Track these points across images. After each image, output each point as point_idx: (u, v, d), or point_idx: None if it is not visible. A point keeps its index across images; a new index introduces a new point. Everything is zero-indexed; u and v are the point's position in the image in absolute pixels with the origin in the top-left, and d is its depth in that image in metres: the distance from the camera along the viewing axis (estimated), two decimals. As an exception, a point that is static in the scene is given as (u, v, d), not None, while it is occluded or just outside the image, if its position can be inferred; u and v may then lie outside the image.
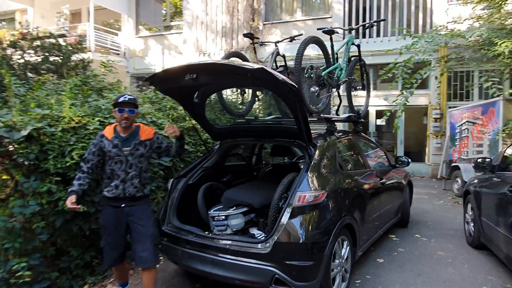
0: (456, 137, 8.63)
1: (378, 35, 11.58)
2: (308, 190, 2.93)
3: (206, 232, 3.21)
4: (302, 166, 3.25)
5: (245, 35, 4.44)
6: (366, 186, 3.83)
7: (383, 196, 4.29)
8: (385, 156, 5.04)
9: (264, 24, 12.85)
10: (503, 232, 3.46)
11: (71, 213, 3.42)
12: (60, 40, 6.66)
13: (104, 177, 2.96)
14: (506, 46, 6.22)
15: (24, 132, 3.17)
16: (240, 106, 4.95)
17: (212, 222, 3.27)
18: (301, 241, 2.76)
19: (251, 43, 4.55)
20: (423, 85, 10.83)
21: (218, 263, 2.89)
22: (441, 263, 4.09)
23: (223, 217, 3.19)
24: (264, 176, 4.54)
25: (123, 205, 2.88)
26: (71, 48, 6.41)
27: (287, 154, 4.82)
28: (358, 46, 4.49)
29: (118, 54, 14.66)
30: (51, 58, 6.43)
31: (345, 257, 3.23)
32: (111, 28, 15.95)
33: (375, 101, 11.75)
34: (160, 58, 14.47)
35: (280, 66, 4.68)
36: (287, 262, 2.72)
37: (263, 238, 3.12)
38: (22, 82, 4.21)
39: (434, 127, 10.64)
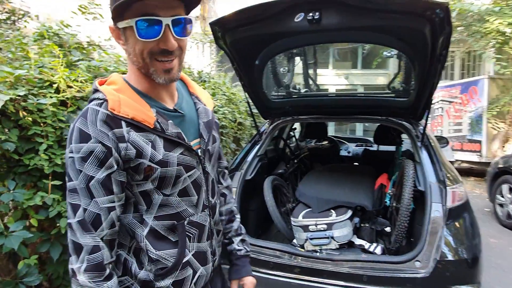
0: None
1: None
2: (452, 185, 2.16)
3: (310, 249, 2.24)
4: (417, 150, 2.46)
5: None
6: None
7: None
8: None
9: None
10: None
11: (74, 236, 2.14)
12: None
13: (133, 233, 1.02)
14: (500, 23, 6.15)
15: (-5, 105, 1.80)
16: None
17: (303, 233, 2.30)
18: (465, 256, 1.99)
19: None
20: (382, 64, 10.79)
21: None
22: (506, 253, 3.72)
23: (325, 226, 2.25)
24: (303, 163, 3.68)
25: None
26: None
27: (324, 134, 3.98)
28: None
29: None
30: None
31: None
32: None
33: (335, 80, 11.45)
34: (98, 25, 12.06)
35: None
36: (453, 287, 1.93)
37: (375, 249, 2.31)
38: None
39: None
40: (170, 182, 0.97)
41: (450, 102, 7.83)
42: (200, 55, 10.93)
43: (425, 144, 2.48)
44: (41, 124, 1.98)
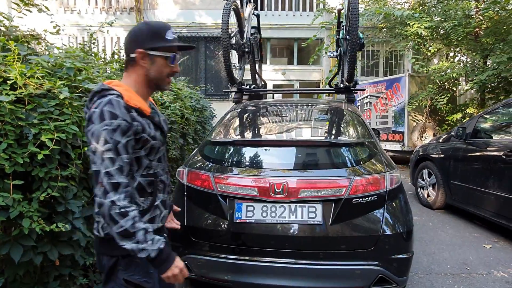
0: (358, 110, 9.45)
1: (276, 8, 11.54)
2: (389, 170, 2.53)
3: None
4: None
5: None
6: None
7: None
8: None
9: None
10: (494, 193, 3.79)
11: (34, 237, 2.13)
12: None
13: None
14: (418, 27, 6.94)
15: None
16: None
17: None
18: (401, 230, 2.37)
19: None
20: (316, 61, 11.43)
21: (303, 272, 2.25)
22: (426, 227, 4.31)
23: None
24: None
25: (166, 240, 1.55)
26: None
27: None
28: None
29: None
30: None
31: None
32: None
33: (272, 75, 11.84)
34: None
35: (253, 27, 4.15)
36: (392, 256, 2.29)
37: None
38: None
39: (328, 101, 11.40)
40: (154, 151, 1.42)
41: (377, 97, 8.64)
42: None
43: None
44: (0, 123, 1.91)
